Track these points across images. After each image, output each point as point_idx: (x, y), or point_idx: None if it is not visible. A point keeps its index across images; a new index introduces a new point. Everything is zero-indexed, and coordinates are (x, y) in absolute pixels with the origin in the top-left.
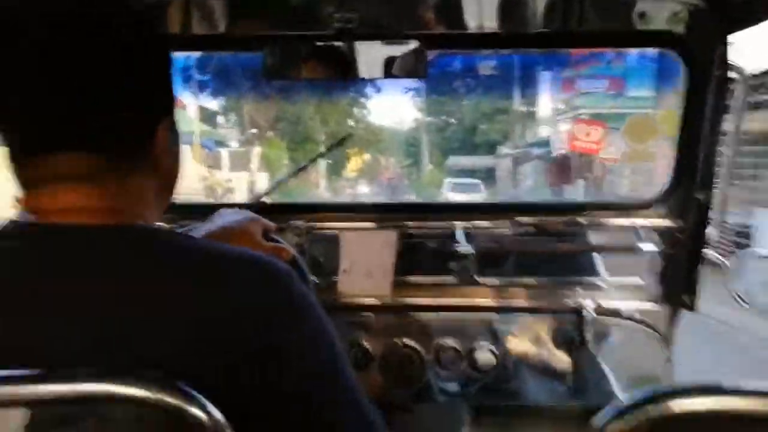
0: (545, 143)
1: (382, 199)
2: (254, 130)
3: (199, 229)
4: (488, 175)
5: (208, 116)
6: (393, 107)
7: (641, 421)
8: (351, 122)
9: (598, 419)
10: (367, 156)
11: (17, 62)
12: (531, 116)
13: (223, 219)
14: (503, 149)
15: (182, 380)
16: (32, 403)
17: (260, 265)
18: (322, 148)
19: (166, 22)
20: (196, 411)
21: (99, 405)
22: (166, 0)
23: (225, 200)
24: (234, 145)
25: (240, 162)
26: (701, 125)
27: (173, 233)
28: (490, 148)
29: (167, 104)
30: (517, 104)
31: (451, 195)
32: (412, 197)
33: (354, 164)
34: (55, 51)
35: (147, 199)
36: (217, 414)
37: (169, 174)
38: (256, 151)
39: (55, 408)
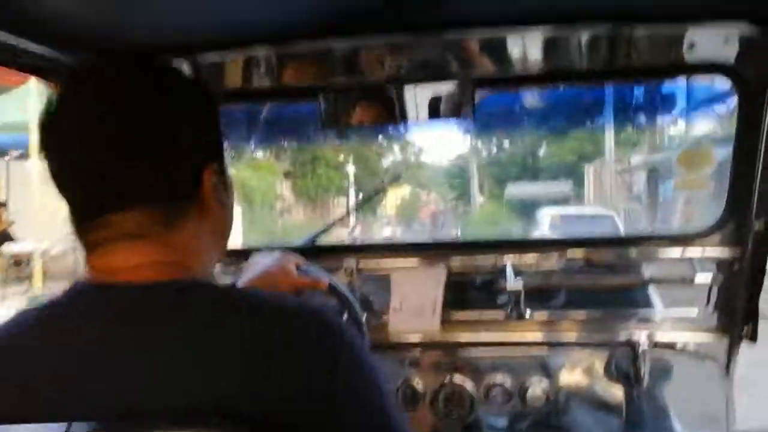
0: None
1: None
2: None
3: (242, 278)
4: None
5: None
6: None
7: None
8: (380, 138)
9: None
10: (406, 189)
11: (64, 134)
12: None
13: (258, 265)
14: (635, 157)
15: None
16: None
17: (316, 318)
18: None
19: (224, 77)
20: None
21: None
22: (224, 59)
23: None
24: None
25: None
26: (756, 151)
27: (230, 287)
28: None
29: (211, 150)
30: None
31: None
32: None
33: (392, 199)
34: (96, 119)
35: (200, 248)
36: None
37: (220, 220)
38: None
39: None
